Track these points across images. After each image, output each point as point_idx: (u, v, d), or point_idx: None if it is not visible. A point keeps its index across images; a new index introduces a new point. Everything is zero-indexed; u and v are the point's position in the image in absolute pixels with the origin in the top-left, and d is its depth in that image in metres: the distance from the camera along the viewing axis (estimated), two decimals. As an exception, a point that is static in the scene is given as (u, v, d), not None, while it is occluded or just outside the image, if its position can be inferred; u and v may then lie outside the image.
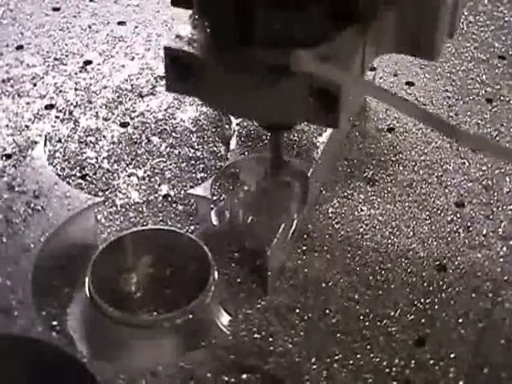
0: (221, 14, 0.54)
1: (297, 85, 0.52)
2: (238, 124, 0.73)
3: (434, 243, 0.67)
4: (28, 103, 0.79)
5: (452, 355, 0.59)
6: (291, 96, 0.52)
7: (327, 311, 0.62)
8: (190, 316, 0.59)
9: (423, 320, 0.62)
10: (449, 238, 0.68)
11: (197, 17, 0.56)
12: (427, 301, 0.63)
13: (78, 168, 0.73)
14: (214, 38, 0.54)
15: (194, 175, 0.73)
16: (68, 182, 0.71)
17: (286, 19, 0.51)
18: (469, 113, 0.79)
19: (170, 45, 0.54)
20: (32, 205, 0.66)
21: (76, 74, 0.83)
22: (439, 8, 0.55)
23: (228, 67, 0.53)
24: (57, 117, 0.78)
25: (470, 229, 0.68)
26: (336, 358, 0.59)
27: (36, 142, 0.74)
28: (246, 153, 0.71)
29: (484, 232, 0.68)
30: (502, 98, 0.81)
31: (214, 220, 0.66)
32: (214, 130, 0.77)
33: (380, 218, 0.69)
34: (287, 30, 0.52)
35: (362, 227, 0.68)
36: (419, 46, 0.56)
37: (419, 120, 0.52)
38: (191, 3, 0.57)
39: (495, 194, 0.71)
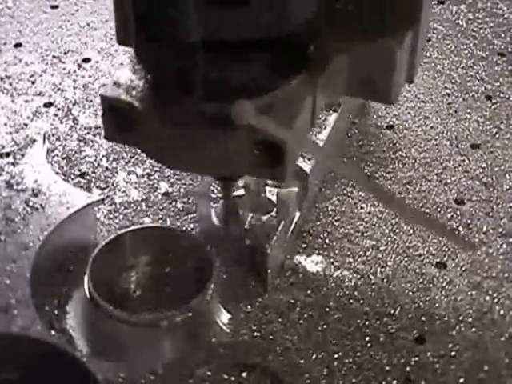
0: (160, 64, 0.50)
1: (240, 138, 0.48)
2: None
3: (434, 241, 0.67)
4: (26, 101, 0.79)
5: (452, 353, 0.59)
6: (235, 149, 0.49)
7: (327, 309, 0.62)
8: (190, 314, 0.59)
9: (423, 318, 0.62)
10: (449, 236, 0.67)
11: (137, 61, 0.52)
12: (427, 298, 0.63)
13: (77, 166, 0.73)
14: (153, 88, 0.51)
15: (193, 173, 0.72)
16: (67, 180, 0.70)
17: (227, 70, 0.48)
18: (468, 110, 0.79)
19: (107, 93, 0.51)
20: (31, 203, 0.66)
21: (75, 71, 0.83)
22: (394, 51, 0.51)
23: (168, 120, 0.49)
24: (55, 115, 0.78)
25: (470, 226, 0.68)
26: (336, 355, 0.59)
27: (35, 140, 0.74)
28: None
29: (484, 229, 0.68)
30: (501, 94, 0.81)
31: (214, 218, 0.66)
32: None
33: (380, 216, 0.69)
34: (227, 81, 0.49)
35: (361, 225, 0.68)
36: (376, 91, 0.53)
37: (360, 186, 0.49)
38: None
39: (495, 191, 0.71)
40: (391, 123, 0.78)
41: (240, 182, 0.67)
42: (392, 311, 0.62)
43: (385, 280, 0.64)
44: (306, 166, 0.67)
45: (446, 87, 0.82)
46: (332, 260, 0.65)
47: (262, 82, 0.49)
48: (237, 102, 0.47)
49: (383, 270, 0.65)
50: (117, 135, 0.52)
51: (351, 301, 0.63)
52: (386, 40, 0.51)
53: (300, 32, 0.49)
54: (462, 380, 0.58)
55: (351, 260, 0.66)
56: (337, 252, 0.66)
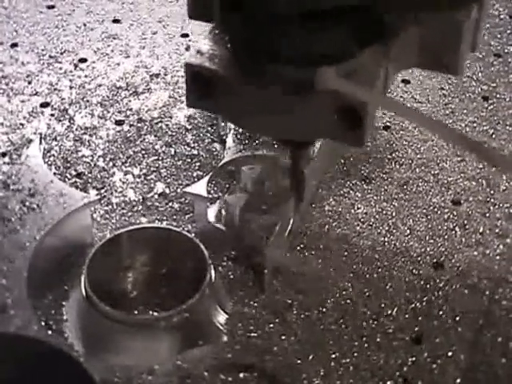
0: (245, 32, 0.53)
1: (321, 102, 0.51)
2: (234, 122, 0.73)
3: (431, 241, 0.67)
4: (23, 101, 0.79)
5: (449, 353, 0.59)
6: (316, 114, 0.51)
7: (324, 309, 0.62)
8: (187, 315, 0.59)
9: (420, 318, 0.62)
10: (445, 236, 0.68)
11: (217, 31, 0.54)
12: (424, 299, 0.63)
13: (74, 166, 0.73)
14: (237, 55, 0.53)
15: (189, 173, 0.72)
16: (63, 181, 0.70)
17: (311, 37, 0.50)
18: (465, 111, 0.79)
19: (191, 61, 0.53)
20: (27, 203, 0.66)
21: (71, 71, 0.83)
22: (463, 24, 0.53)
23: (252, 84, 0.52)
24: (52, 115, 0.78)
25: (467, 227, 0.68)
26: (333, 356, 0.59)
27: (31, 140, 0.74)
28: (243, 151, 0.70)
29: (481, 230, 0.68)
30: (498, 95, 0.81)
31: (211, 218, 0.66)
32: (209, 127, 0.77)
33: (376, 216, 0.69)
34: (312, 48, 0.51)
35: (358, 225, 0.68)
36: (443, 62, 0.55)
37: (443, 138, 0.51)
38: (211, 16, 0.55)
39: (492, 191, 0.71)
40: (388, 124, 0.78)
41: (238, 183, 0.67)
42: (389, 312, 0.62)
43: (381, 280, 0.64)
44: (304, 167, 0.67)
45: (442, 88, 0.82)
46: (329, 260, 0.65)
47: (343, 50, 0.51)
48: (320, 67, 0.50)
49: (380, 270, 0.65)
50: (199, 102, 0.54)
51: (348, 301, 0.63)
52: (454, 12, 0.53)
53: (377, 3, 0.51)
54: (458, 380, 0.58)
55: (348, 260, 0.66)
56: (333, 252, 0.66)
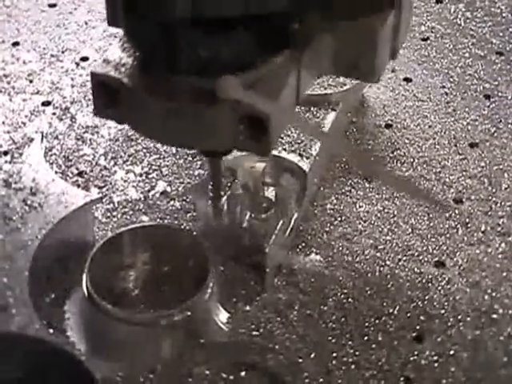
0: (147, 39, 0.52)
1: (225, 112, 0.50)
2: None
3: (433, 239, 0.67)
4: (24, 100, 0.79)
5: (451, 352, 0.59)
6: (220, 123, 0.51)
7: (326, 308, 0.62)
8: (188, 313, 0.59)
9: (422, 317, 0.61)
10: (447, 235, 0.67)
11: (125, 39, 0.54)
12: (426, 297, 0.63)
13: (75, 165, 0.73)
14: (141, 64, 0.53)
15: (191, 172, 0.72)
16: (65, 179, 0.70)
17: (212, 45, 0.50)
18: (467, 109, 0.79)
19: (97, 70, 0.53)
20: (29, 202, 0.66)
21: (73, 70, 0.82)
22: (378, 31, 0.53)
23: (155, 94, 0.51)
24: (53, 113, 0.77)
25: (469, 225, 0.68)
26: (335, 354, 0.59)
27: (33, 139, 0.74)
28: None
29: (483, 228, 0.68)
30: (500, 94, 0.81)
31: (212, 217, 0.66)
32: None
33: (378, 215, 0.69)
34: (213, 56, 0.50)
35: (360, 224, 0.68)
36: (359, 69, 0.54)
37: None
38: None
39: (494, 190, 0.71)
40: (389, 122, 0.78)
41: (239, 181, 0.67)
42: (390, 310, 0.62)
43: (383, 279, 0.64)
44: (305, 165, 0.67)
45: (444, 86, 0.81)
46: (330, 259, 0.65)
47: (247, 58, 0.50)
48: (222, 76, 0.49)
49: (382, 269, 0.65)
50: (105, 111, 0.54)
51: (350, 300, 0.63)
52: (368, 19, 0.52)
53: (284, 9, 0.50)
54: (461, 379, 0.58)
55: (350, 259, 0.65)
56: (335, 251, 0.66)
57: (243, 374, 0.58)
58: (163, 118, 0.52)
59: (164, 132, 0.53)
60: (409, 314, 0.62)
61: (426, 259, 0.65)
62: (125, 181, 0.72)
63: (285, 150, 0.69)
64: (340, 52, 0.54)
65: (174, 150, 0.74)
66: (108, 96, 0.53)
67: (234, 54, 0.50)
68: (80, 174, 0.72)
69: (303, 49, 0.52)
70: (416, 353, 0.59)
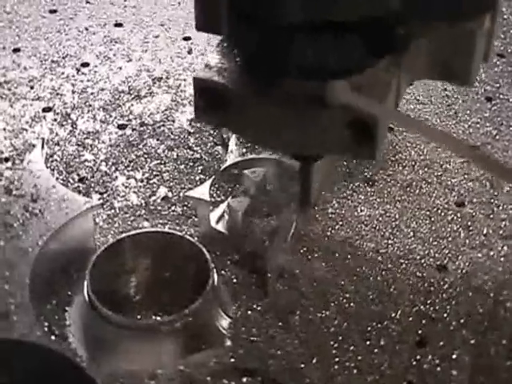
0: (255, 44, 0.52)
1: (333, 116, 0.51)
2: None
3: (435, 243, 0.67)
4: (25, 106, 0.79)
5: (454, 356, 0.59)
6: (327, 128, 0.51)
7: (328, 313, 0.62)
8: (190, 319, 0.59)
9: (424, 321, 0.61)
10: (449, 238, 0.67)
11: (226, 44, 0.54)
12: (428, 301, 0.63)
13: (76, 171, 0.73)
14: (247, 69, 0.53)
15: (192, 177, 0.72)
16: (66, 186, 0.70)
17: (321, 51, 0.50)
18: (468, 111, 0.79)
19: (199, 75, 0.53)
20: (30, 208, 0.66)
21: (73, 76, 0.83)
22: (476, 34, 0.53)
23: (261, 99, 0.52)
24: (54, 119, 0.78)
25: (471, 228, 0.68)
26: (337, 359, 0.59)
27: (33, 145, 0.74)
28: (245, 154, 0.70)
29: (485, 231, 0.68)
30: (501, 96, 0.80)
31: (213, 222, 0.66)
32: (212, 131, 0.76)
33: (380, 219, 0.69)
34: (322, 61, 0.50)
35: (361, 228, 0.68)
36: (455, 73, 0.55)
37: (453, 150, 0.51)
38: (219, 29, 0.54)
39: (496, 193, 0.71)
40: (391, 125, 0.77)
41: (240, 187, 0.67)
42: (393, 314, 0.62)
43: (385, 283, 0.64)
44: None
45: (445, 89, 0.81)
46: (332, 263, 0.65)
47: (355, 62, 0.51)
48: (331, 81, 0.49)
49: (383, 273, 0.65)
50: (207, 116, 0.54)
51: (352, 304, 0.62)
52: (466, 23, 0.53)
53: (388, 15, 0.51)
54: (463, 383, 0.58)
55: (351, 263, 0.65)
56: (337, 255, 0.66)
57: (245, 379, 0.58)
58: (269, 122, 0.52)
59: (269, 137, 0.53)
60: (411, 318, 0.61)
61: (428, 263, 0.65)
62: (126, 186, 0.72)
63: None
64: (436, 56, 0.54)
65: (174, 155, 0.74)
66: (210, 101, 0.53)
67: (344, 58, 0.51)
68: (81, 180, 0.72)
69: (403, 53, 0.53)
70: (418, 357, 0.59)
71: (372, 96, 0.50)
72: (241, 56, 0.53)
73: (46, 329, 0.60)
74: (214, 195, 0.69)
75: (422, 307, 0.62)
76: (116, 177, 0.72)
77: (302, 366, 0.58)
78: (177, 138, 0.76)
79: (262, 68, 0.52)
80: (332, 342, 0.60)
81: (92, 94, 0.80)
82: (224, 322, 0.61)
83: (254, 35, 0.52)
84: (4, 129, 0.76)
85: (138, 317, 0.62)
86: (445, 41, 0.53)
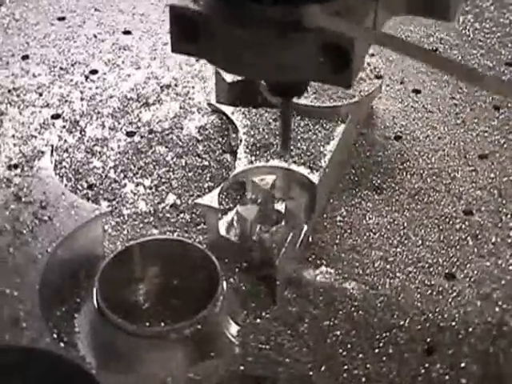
0: None
1: (308, 41, 0.51)
2: (245, 133, 0.73)
3: (443, 251, 0.67)
4: (34, 113, 0.79)
5: (462, 364, 0.59)
6: (302, 53, 0.51)
7: (336, 321, 0.62)
8: (199, 326, 0.59)
9: (433, 329, 0.61)
10: (458, 247, 0.67)
11: None
12: (436, 309, 0.63)
13: (85, 178, 0.73)
14: None
15: (201, 184, 0.73)
16: (75, 192, 0.71)
17: None
18: (476, 120, 0.79)
19: (175, 2, 0.53)
20: (39, 215, 0.66)
21: (82, 83, 0.83)
22: None
23: (236, 24, 0.51)
24: (63, 126, 0.78)
25: (479, 237, 0.68)
26: (345, 367, 0.59)
27: (42, 152, 0.74)
28: (254, 162, 0.71)
29: (493, 240, 0.68)
30: (509, 105, 0.81)
31: (222, 230, 0.66)
32: (220, 138, 0.77)
33: (388, 227, 0.69)
34: None
35: (370, 236, 0.68)
36: (434, 8, 0.55)
37: (437, 67, 0.50)
38: None
39: (504, 201, 0.71)
40: (399, 134, 0.78)
41: (249, 194, 0.67)
42: (401, 323, 0.62)
43: (393, 291, 0.64)
44: (314, 178, 0.68)
45: (453, 97, 0.82)
46: (340, 271, 0.66)
47: None
48: (307, 5, 0.50)
49: (392, 281, 0.65)
50: (183, 46, 0.54)
51: (360, 312, 0.63)
52: None
53: None
54: (472, 392, 0.58)
55: (360, 271, 0.66)
56: (345, 263, 0.66)
57: (254, 387, 0.58)
58: (243, 48, 0.52)
59: (245, 65, 0.53)
60: (419, 327, 0.62)
61: (436, 271, 0.65)
62: (134, 194, 0.72)
63: (295, 162, 0.69)
64: None
65: (183, 162, 0.75)
66: (186, 30, 0.53)
67: None
68: (90, 187, 0.72)
69: None
70: (427, 365, 0.59)
71: (348, 21, 0.50)
72: None
73: (55, 336, 0.60)
74: (223, 203, 0.69)
75: (430, 315, 0.62)
76: (125, 184, 0.73)
77: (311, 373, 0.59)
78: (185, 145, 0.76)
79: None
80: (340, 350, 0.60)
81: (101, 101, 0.81)
82: (233, 330, 0.61)
83: None
84: (13, 136, 0.76)
85: (147, 324, 0.62)
86: None
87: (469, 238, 0.68)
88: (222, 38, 0.52)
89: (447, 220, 0.70)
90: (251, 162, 0.70)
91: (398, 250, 0.67)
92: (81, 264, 0.64)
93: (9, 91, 0.81)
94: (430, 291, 0.64)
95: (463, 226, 0.69)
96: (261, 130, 0.73)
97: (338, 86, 0.53)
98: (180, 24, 0.53)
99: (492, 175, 0.73)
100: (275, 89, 0.59)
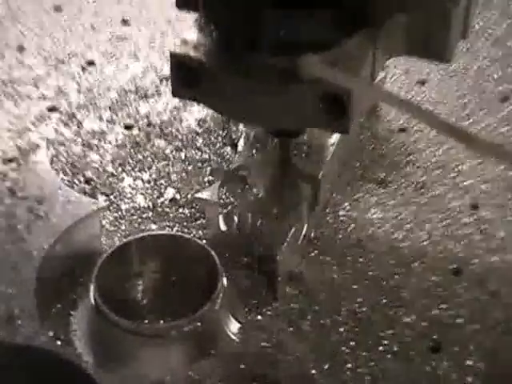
0: (229, 20, 0.54)
1: (306, 90, 0.53)
2: (245, 125, 0.73)
3: (449, 246, 0.67)
4: (30, 105, 0.79)
5: (469, 362, 0.59)
6: (300, 102, 0.53)
7: (339, 318, 0.62)
8: (198, 324, 0.59)
9: (438, 326, 0.61)
10: (464, 241, 0.67)
11: (203, 20, 0.56)
12: (442, 306, 0.63)
13: (82, 172, 0.73)
14: (222, 44, 0.55)
15: (200, 178, 0.72)
16: (71, 187, 0.70)
17: (295, 25, 0.52)
18: (482, 112, 0.79)
19: (176, 50, 0.55)
20: (35, 210, 0.66)
21: (78, 74, 0.83)
22: (451, 10, 0.55)
23: (236, 73, 0.54)
24: (59, 119, 0.78)
25: (486, 231, 0.68)
26: (349, 365, 0.59)
27: (38, 146, 0.74)
28: (254, 154, 0.70)
29: (500, 235, 0.68)
30: (517, 96, 0.80)
31: (222, 224, 0.66)
32: (220, 131, 0.77)
33: (393, 221, 0.69)
34: (296, 35, 0.52)
35: (374, 230, 0.68)
36: (431, 49, 0.57)
37: (432, 126, 0.52)
38: (197, 6, 0.57)
39: (511, 195, 0.71)
40: (403, 126, 0.77)
41: (248, 185, 0.67)
42: (406, 319, 0.62)
43: (398, 287, 0.64)
44: (317, 171, 0.67)
45: (459, 88, 0.81)
46: (344, 267, 0.65)
47: (326, 38, 0.53)
48: (304, 55, 0.51)
49: (396, 276, 0.65)
50: (184, 92, 0.57)
51: (364, 309, 0.63)
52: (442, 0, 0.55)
53: None
54: (478, 390, 0.58)
55: (363, 267, 0.65)
56: (348, 259, 0.66)
57: (255, 385, 0.58)
58: (244, 97, 0.54)
59: (245, 111, 0.56)
60: (424, 324, 0.61)
61: (442, 267, 0.65)
62: (133, 188, 0.72)
63: (296, 155, 0.68)
64: (412, 32, 0.56)
65: (182, 156, 0.74)
66: (187, 76, 0.55)
67: (315, 33, 0.53)
68: (87, 181, 0.72)
69: (379, 28, 0.55)
70: (432, 363, 0.59)
71: (345, 70, 0.52)
72: (216, 31, 0.55)
73: (51, 333, 0.60)
74: (223, 197, 0.69)
75: (435, 312, 0.62)
76: (123, 178, 0.73)
77: (314, 372, 0.59)
78: (185, 138, 0.76)
79: (234, 42, 0.54)
80: (344, 348, 0.60)
81: (98, 93, 0.81)
82: (233, 327, 0.61)
83: (228, 10, 0.54)
84: (8, 129, 0.76)
85: (146, 321, 0.62)
86: (421, 18, 0.55)
87: (476, 232, 0.68)
88: (222, 86, 0.55)
89: (454, 214, 0.69)
90: (252, 155, 0.70)
91: (403, 245, 0.67)
92: (78, 260, 0.64)
93: (4, 83, 0.81)
94: (435, 287, 0.64)
95: (470, 221, 0.69)
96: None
97: (336, 132, 0.57)
98: (181, 71, 0.55)
99: (499, 168, 0.73)
100: (273, 132, 0.62)
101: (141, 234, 0.65)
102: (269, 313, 0.62)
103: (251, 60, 0.53)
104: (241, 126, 0.73)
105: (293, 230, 0.64)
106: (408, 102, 0.53)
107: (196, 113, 0.78)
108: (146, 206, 0.70)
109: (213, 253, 0.62)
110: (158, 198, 0.71)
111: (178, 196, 0.71)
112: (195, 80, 0.55)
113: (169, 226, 0.69)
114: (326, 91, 0.52)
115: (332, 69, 0.51)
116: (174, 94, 0.57)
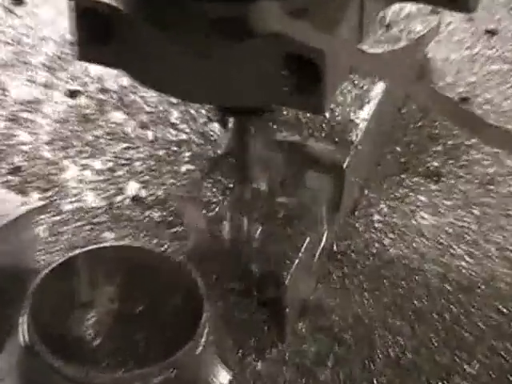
0: None
1: (262, 51, 0.51)
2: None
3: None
4: None
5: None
6: (253, 67, 0.52)
7: (372, 366, 0.63)
8: (172, 372, 0.59)
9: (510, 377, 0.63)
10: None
11: None
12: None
13: (7, 158, 0.74)
14: None
15: (176, 167, 0.73)
16: (-7, 179, 0.72)
17: None
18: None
19: None
20: None
21: (2, 19, 0.84)
22: None
23: (161, 26, 0.53)
24: (-26, 83, 0.79)
25: None
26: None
27: None
28: (248, 132, 0.70)
29: None
30: None
31: (207, 232, 0.66)
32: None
33: (449, 230, 0.70)
34: None
35: (420, 243, 0.70)
36: None
37: (435, 108, 0.52)
38: None
39: None
40: (465, 94, 0.79)
41: (247, 183, 0.68)
42: (466, 367, 0.63)
43: (456, 323, 0.65)
44: (341, 157, 0.68)
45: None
46: (379, 295, 0.67)
47: None
48: (258, 1, 0.50)
49: (453, 308, 0.66)
50: (93, 52, 0.56)
51: (407, 353, 0.64)
52: None
53: None
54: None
55: (406, 294, 0.67)
56: (385, 282, 0.67)
57: None
58: (176, 61, 0.53)
59: (178, 81, 0.54)
60: (492, 374, 0.63)
61: (517, 295, 0.67)
62: (79, 181, 0.73)
63: (312, 135, 0.69)
64: None
65: (150, 135, 0.75)
66: (96, 30, 0.55)
67: None
68: (14, 170, 0.73)
69: None
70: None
71: (320, 22, 0.51)
72: None
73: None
74: (208, 193, 0.69)
75: (507, 358, 0.64)
76: (65, 166, 0.74)
77: None
78: (153, 110, 0.77)
79: None
80: (378, 409, 0.62)
81: (30, 45, 0.82)
82: (223, 378, 0.62)
83: None
84: None
85: (98, 369, 0.62)
86: None
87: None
88: (145, 45, 0.54)
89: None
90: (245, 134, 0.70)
91: (464, 263, 0.68)
92: (3, 281, 0.65)
93: None
94: (507, 323, 0.65)
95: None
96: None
97: (305, 111, 0.56)
98: (89, 23, 0.55)
99: None
100: (225, 110, 0.61)
101: (90, 247, 0.65)
102: (272, 358, 0.63)
103: (184, 7, 0.52)
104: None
105: (307, 240, 0.65)
106: (405, 74, 0.52)
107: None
108: (98, 206, 0.71)
109: (194, 272, 0.63)
110: (116, 195, 0.72)
111: (143, 193, 0.72)
112: (108, 35, 0.54)
113: (131, 236, 0.70)
114: (290, 52, 0.51)
115: (297, 22, 0.50)
116: (81, 55, 0.56)
